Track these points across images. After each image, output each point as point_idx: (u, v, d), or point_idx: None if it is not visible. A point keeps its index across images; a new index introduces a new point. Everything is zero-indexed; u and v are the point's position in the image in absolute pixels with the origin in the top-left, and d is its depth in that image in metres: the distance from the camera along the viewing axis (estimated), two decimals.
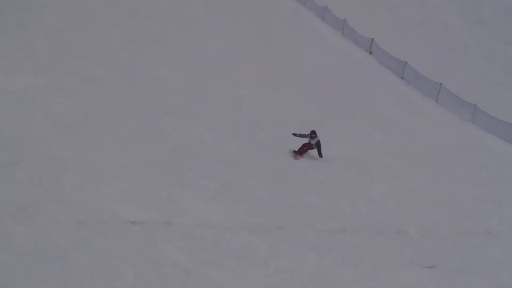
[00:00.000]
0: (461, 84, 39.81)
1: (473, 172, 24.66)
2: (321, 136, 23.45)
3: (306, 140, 24.05)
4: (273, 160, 22.18)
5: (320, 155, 23.89)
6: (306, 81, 34.39)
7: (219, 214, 14.73)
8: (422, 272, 12.65)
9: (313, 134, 23.89)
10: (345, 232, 15.21)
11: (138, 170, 17.78)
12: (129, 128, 21.39)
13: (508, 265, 14.17)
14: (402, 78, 42.52)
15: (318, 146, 24.01)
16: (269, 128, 25.56)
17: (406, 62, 42.57)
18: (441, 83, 40.27)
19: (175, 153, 20.27)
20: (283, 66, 36.76)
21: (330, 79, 36.57)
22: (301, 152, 23.88)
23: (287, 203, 17.70)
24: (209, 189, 17.47)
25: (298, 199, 18.26)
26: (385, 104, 34.40)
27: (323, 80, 35.94)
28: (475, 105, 37.54)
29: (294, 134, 24.03)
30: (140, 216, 13.03)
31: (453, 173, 23.77)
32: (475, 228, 17.68)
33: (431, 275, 12.50)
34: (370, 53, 44.99)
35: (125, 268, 10.60)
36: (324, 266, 12.06)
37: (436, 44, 49.21)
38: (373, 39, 45.40)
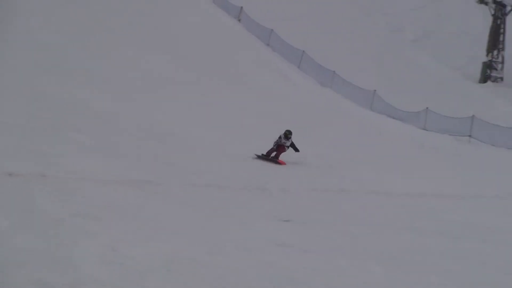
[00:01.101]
0: (323, 52, 41.93)
1: (333, 133, 26.59)
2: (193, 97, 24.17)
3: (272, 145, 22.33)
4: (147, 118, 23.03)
5: (296, 150, 22.32)
6: (177, 44, 35.12)
7: (95, 168, 15.36)
8: (280, 224, 13.59)
9: (289, 134, 22.28)
10: (212, 187, 16.35)
11: (22, 126, 18.19)
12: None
13: (356, 218, 15.71)
14: (268, 45, 44.07)
15: (292, 145, 22.42)
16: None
17: (272, 29, 44.13)
18: (304, 51, 42.21)
19: (55, 111, 20.89)
20: (154, 29, 37.33)
21: (201, 44, 37.46)
22: (277, 156, 22.10)
23: (159, 160, 18.59)
24: (86, 145, 18.07)
25: (167, 156, 19.29)
26: (250, 68, 35.77)
27: (194, 44, 36.81)
28: (334, 71, 39.88)
29: (268, 153, 21.95)
30: (18, 169, 13.44)
31: (312, 134, 25.59)
32: (330, 186, 19.33)
33: (288, 227, 13.47)
34: (239, 20, 46.17)
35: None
36: (195, 219, 12.93)
37: (301, 12, 51.08)
38: (241, 7, 46.58)
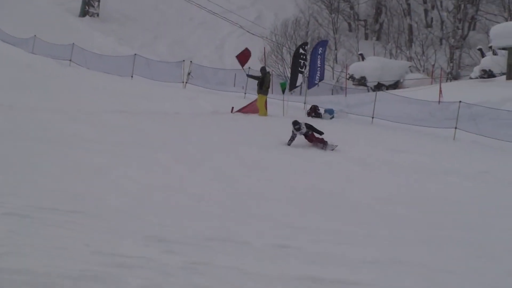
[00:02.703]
0: None
1: None
2: None
3: (299, 136, 20.65)
4: None
5: (319, 132, 20.67)
6: None
7: None
8: None
9: (296, 125, 20.50)
10: None
11: None
12: None
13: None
14: None
15: (311, 128, 20.70)
16: None
17: None
18: None
19: None
20: None
21: None
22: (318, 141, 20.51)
23: None
24: None
25: None
26: None
27: None
28: None
29: (289, 144, 20.33)
30: None
31: None
32: None
33: None
34: None
35: None
36: None
37: None
38: None
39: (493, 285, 7.30)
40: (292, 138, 20.47)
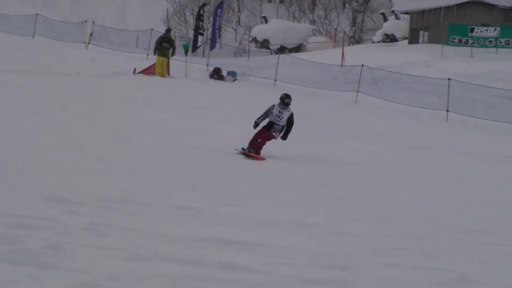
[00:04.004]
0: None
1: None
2: None
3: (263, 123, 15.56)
4: None
5: (285, 136, 15.52)
6: None
7: None
8: None
9: (287, 99, 15.43)
10: None
11: None
12: None
13: None
14: None
15: (290, 122, 15.43)
16: None
17: None
18: None
19: None
20: None
21: None
22: (259, 146, 15.31)
23: None
24: None
25: None
26: None
27: None
28: None
29: (256, 124, 15.37)
30: None
31: None
32: None
33: None
34: None
35: None
36: None
37: None
38: None
39: (386, 246, 7.62)
40: (266, 114, 15.45)
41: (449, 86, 27.26)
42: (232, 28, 59.69)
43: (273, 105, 15.51)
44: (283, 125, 15.44)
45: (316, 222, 8.90)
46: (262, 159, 14.91)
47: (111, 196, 8.88)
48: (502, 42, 34.84)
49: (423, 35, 43.61)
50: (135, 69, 27.64)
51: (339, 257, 6.66)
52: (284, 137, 15.48)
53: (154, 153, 13.61)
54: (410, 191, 12.99)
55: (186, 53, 29.43)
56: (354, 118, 23.54)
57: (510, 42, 34.74)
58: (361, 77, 29.47)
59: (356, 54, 36.59)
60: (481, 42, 35.23)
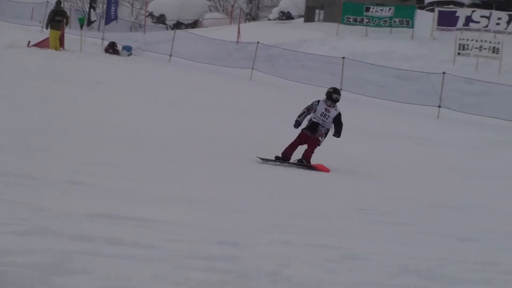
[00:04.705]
0: None
1: None
2: None
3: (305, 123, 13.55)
4: None
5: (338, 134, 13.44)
6: None
7: None
8: None
9: (336, 94, 13.41)
10: None
11: None
12: None
13: None
14: None
15: (337, 121, 13.38)
16: None
17: None
18: None
19: None
20: None
21: None
22: (308, 155, 13.18)
23: None
24: None
25: None
26: None
27: None
28: None
29: (298, 123, 13.30)
30: None
31: None
32: None
33: None
34: None
35: None
36: None
37: None
38: None
39: (277, 223, 7.74)
40: (308, 110, 13.41)
41: (343, 64, 27.82)
42: (129, 2, 58.70)
43: (318, 101, 13.30)
44: (328, 128, 13.13)
45: (211, 199, 8.93)
46: (327, 170, 12.65)
47: None
48: (396, 22, 35.61)
49: (319, 13, 44.23)
50: (29, 42, 27.06)
51: (230, 233, 6.72)
52: (337, 135, 13.23)
53: (47, 128, 13.29)
54: (302, 169, 13.20)
55: (81, 27, 28.93)
56: (248, 94, 23.71)
57: (404, 22, 35.56)
58: (256, 54, 29.65)
59: (252, 31, 36.74)
60: (376, 22, 35.90)
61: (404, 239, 7.59)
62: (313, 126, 13.14)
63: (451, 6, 37.25)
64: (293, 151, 13.12)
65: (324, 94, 13.48)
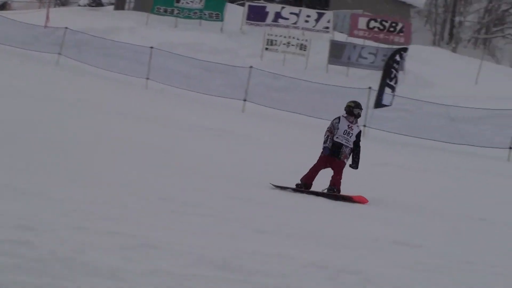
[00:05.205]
0: None
1: None
2: None
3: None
4: None
5: (356, 164, 11.98)
6: None
7: None
8: None
9: (357, 108, 11.83)
10: None
11: None
12: None
13: None
14: None
15: (357, 143, 11.93)
16: None
17: None
18: None
19: None
20: None
21: None
22: (336, 183, 11.60)
23: None
24: None
25: None
26: None
27: None
28: None
29: (327, 149, 11.63)
30: None
31: None
32: None
33: None
34: None
35: None
36: None
37: None
38: None
39: (76, 209, 7.75)
40: (331, 131, 11.96)
41: (151, 54, 27.98)
42: None
43: (338, 118, 11.95)
44: (351, 148, 11.87)
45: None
46: (366, 201, 11.44)
47: None
48: (206, 15, 36.05)
49: (129, 2, 43.97)
50: None
51: (25, 218, 6.67)
52: (355, 165, 11.96)
53: None
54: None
55: None
56: (55, 80, 23.30)
57: (214, 15, 36.11)
58: (64, 40, 29.13)
59: (62, 16, 35.85)
60: (186, 13, 36.12)
61: (202, 229, 7.84)
62: (337, 148, 11.85)
63: (261, 1, 38.24)
64: (315, 176, 11.88)
65: (344, 109, 12.14)
